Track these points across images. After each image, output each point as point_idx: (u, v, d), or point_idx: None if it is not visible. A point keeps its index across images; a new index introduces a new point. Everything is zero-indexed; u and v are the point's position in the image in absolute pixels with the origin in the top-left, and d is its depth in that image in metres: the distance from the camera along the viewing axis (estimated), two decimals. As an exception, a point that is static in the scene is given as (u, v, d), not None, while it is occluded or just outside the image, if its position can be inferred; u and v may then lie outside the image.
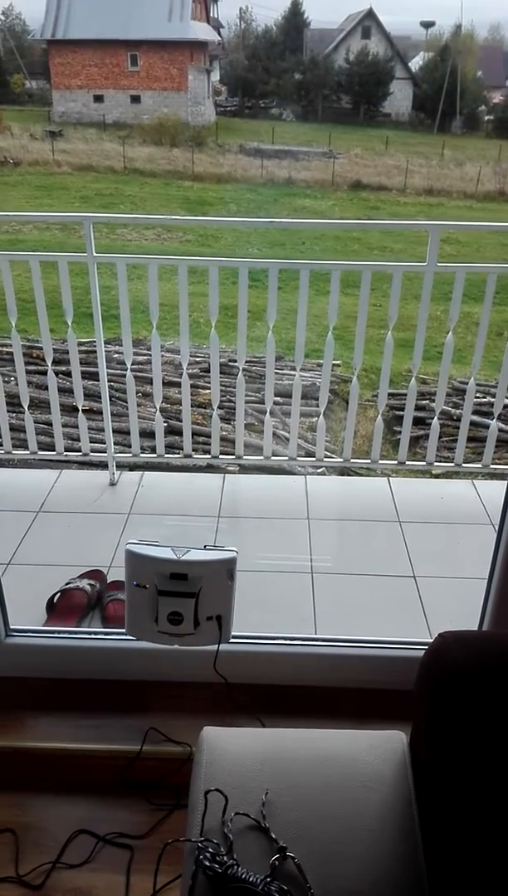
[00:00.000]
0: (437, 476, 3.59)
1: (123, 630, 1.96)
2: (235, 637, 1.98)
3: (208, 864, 1.12)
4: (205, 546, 1.88)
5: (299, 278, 2.97)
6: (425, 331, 3.04)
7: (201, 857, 1.13)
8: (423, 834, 1.20)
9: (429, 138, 15.05)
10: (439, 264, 2.89)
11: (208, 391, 4.71)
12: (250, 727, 1.84)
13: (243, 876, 1.11)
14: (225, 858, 1.13)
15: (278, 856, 1.15)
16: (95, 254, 2.89)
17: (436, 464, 3.31)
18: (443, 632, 1.23)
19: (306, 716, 1.94)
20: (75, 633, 2.16)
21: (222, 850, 1.15)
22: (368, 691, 1.96)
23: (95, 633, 2.17)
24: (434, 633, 2.32)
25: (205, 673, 1.93)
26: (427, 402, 4.53)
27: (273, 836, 1.17)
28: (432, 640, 1.28)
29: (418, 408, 3.35)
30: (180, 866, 1.64)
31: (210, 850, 1.14)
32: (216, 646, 1.90)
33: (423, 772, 1.24)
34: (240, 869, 1.12)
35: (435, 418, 3.22)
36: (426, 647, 1.28)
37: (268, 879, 1.11)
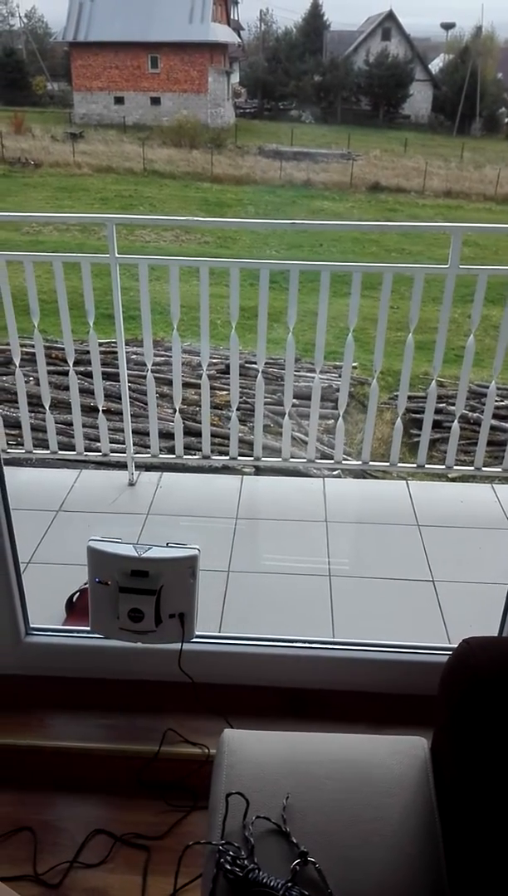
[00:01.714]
0: (453, 479, 3.57)
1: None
2: (251, 639, 1.98)
3: (229, 867, 1.12)
4: (168, 544, 1.88)
5: (320, 280, 2.96)
6: (446, 333, 3.02)
7: (223, 860, 1.12)
8: (445, 841, 1.19)
9: (448, 140, 15.00)
10: (461, 266, 2.87)
11: (223, 392, 4.71)
12: (268, 730, 1.84)
13: (265, 880, 1.10)
14: (246, 862, 1.13)
15: (298, 860, 1.14)
16: (117, 255, 2.90)
17: (455, 467, 3.30)
18: (467, 637, 1.22)
19: (323, 720, 1.93)
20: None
21: (243, 853, 1.15)
22: (384, 696, 1.95)
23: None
24: (453, 638, 2.32)
25: (220, 673, 1.93)
26: (444, 405, 4.51)
27: (294, 840, 1.17)
28: (452, 646, 1.27)
29: (435, 411, 3.33)
30: (198, 868, 1.64)
31: (231, 853, 1.14)
32: (180, 644, 1.90)
33: (446, 778, 1.23)
34: (261, 873, 1.11)
35: (455, 421, 3.20)
36: (450, 653, 1.27)
37: (289, 884, 1.10)
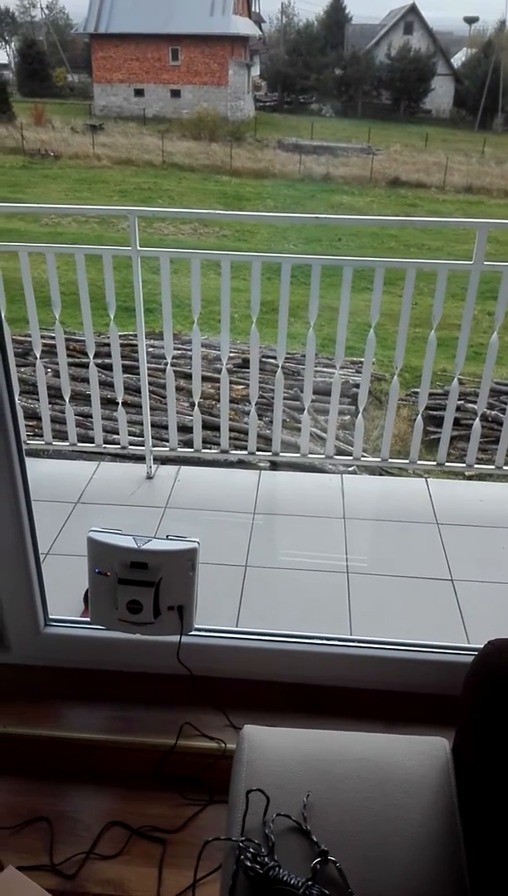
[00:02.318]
0: (471, 478, 3.55)
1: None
2: (266, 634, 1.97)
3: (249, 864, 1.11)
4: (168, 536, 1.87)
5: (342, 275, 2.94)
6: (469, 331, 3.00)
7: (243, 856, 1.12)
8: (467, 842, 1.19)
9: (470, 135, 14.89)
10: (486, 263, 2.85)
11: (240, 387, 4.71)
12: (284, 727, 1.84)
13: (285, 878, 1.10)
14: (266, 859, 1.12)
15: (319, 859, 1.14)
16: (139, 248, 2.89)
17: (476, 466, 3.27)
18: (493, 639, 1.21)
19: (335, 716, 1.93)
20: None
21: (264, 850, 1.14)
22: (400, 694, 1.94)
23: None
24: (472, 638, 2.30)
25: (240, 668, 1.93)
26: (462, 402, 4.48)
27: (314, 839, 1.16)
28: (472, 646, 1.26)
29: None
30: (214, 862, 1.64)
31: (251, 850, 1.14)
32: (179, 637, 1.90)
33: (468, 779, 1.22)
34: (281, 871, 1.11)
35: (477, 419, 3.17)
36: (469, 653, 1.26)
37: (309, 883, 1.10)
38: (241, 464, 3.52)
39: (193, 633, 2.00)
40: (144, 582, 1.82)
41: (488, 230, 2.88)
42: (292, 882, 1.10)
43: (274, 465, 3.61)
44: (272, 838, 1.16)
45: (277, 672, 1.98)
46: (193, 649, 1.97)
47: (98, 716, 1.96)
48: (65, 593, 2.36)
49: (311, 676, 1.99)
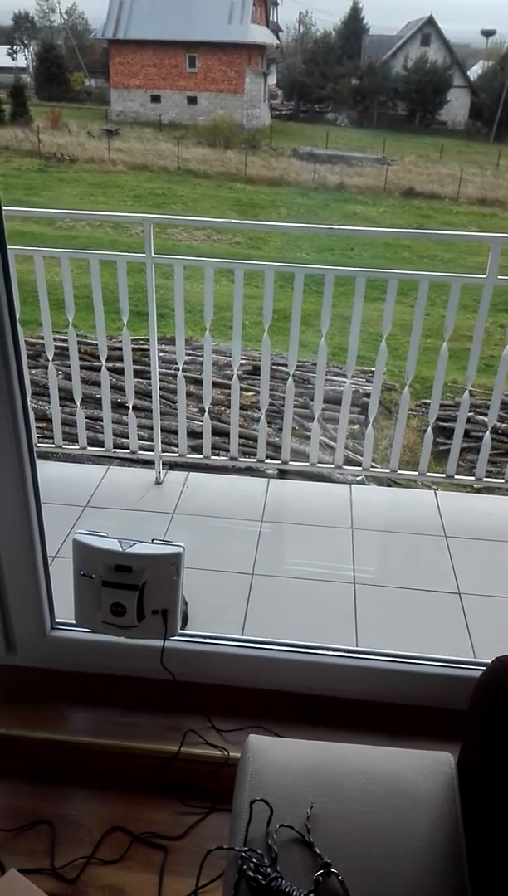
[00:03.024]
0: (480, 491, 3.54)
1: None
2: (279, 643, 1.97)
3: (251, 874, 1.11)
4: (153, 540, 1.88)
5: (354, 285, 2.95)
6: (481, 343, 3.00)
7: (245, 866, 1.12)
8: (470, 857, 1.18)
9: (485, 147, 14.90)
10: (500, 277, 2.85)
11: (250, 393, 4.72)
12: (286, 737, 1.84)
13: (287, 889, 1.10)
14: (269, 870, 1.12)
15: (321, 871, 1.14)
16: (153, 255, 2.91)
17: (485, 479, 3.27)
18: (501, 656, 1.20)
19: (338, 727, 1.93)
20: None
21: (266, 861, 1.14)
22: (401, 706, 1.94)
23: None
24: (479, 652, 2.29)
25: (247, 677, 1.93)
26: (472, 414, 4.47)
27: (318, 850, 1.16)
28: (479, 661, 1.26)
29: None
30: (214, 870, 1.64)
31: (254, 860, 1.13)
32: (162, 641, 1.91)
33: (473, 795, 1.22)
34: (284, 882, 1.11)
35: (487, 432, 3.17)
36: (476, 668, 1.26)
37: (311, 894, 1.10)
38: (250, 471, 3.53)
39: (197, 640, 2.00)
40: (127, 585, 1.84)
41: (503, 244, 2.88)
42: (293, 893, 1.09)
43: (283, 473, 3.61)
44: (275, 849, 1.16)
45: (282, 682, 1.98)
46: (190, 655, 1.97)
47: (102, 720, 1.97)
48: (72, 597, 2.36)
49: (315, 687, 1.99)
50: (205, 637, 2.02)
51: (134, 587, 1.83)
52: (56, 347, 3.26)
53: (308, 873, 1.13)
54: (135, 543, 1.86)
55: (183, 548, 1.86)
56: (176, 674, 1.96)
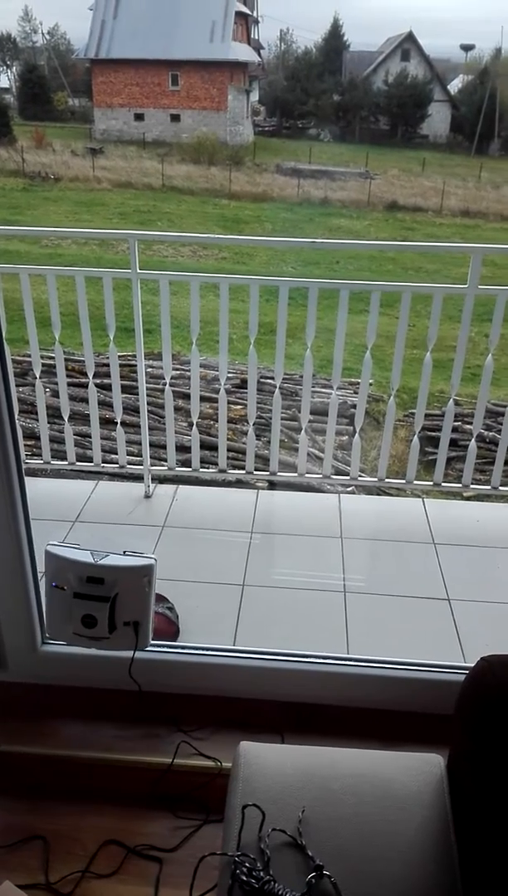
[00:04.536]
0: (468, 498, 3.57)
1: (159, 642, 1.97)
2: (271, 652, 1.99)
3: (244, 878, 1.12)
4: (125, 552, 1.88)
5: (339, 298, 2.98)
6: (464, 353, 3.04)
7: (238, 871, 1.13)
8: (461, 859, 1.19)
9: (466, 160, 15.05)
10: (480, 287, 2.89)
11: (238, 407, 4.74)
12: (275, 741, 1.85)
13: (280, 892, 1.11)
14: (262, 874, 1.13)
15: (314, 874, 1.15)
16: (138, 271, 2.94)
17: (472, 486, 3.30)
18: (486, 655, 1.22)
19: (331, 735, 1.93)
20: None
21: (259, 865, 1.15)
22: (394, 713, 1.95)
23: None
24: (469, 657, 2.31)
25: (236, 688, 1.94)
26: (459, 423, 4.51)
27: (310, 853, 1.17)
28: (469, 665, 1.27)
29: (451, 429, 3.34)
30: (210, 881, 1.64)
31: (247, 864, 1.14)
32: (132, 652, 1.91)
33: (463, 796, 1.24)
34: (277, 885, 1.12)
35: (473, 440, 3.20)
36: (466, 672, 1.27)
37: (304, 897, 1.11)
38: (239, 483, 3.55)
39: (184, 651, 2.01)
40: (99, 597, 1.84)
41: (483, 255, 2.93)
42: (287, 897, 1.10)
43: (272, 485, 3.63)
44: (268, 853, 1.17)
45: (274, 691, 1.99)
46: (184, 666, 1.98)
47: (95, 734, 1.97)
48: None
49: (307, 695, 1.99)
50: (196, 648, 2.03)
51: (105, 599, 1.83)
52: (43, 365, 3.27)
53: (301, 876, 1.14)
54: (107, 555, 1.86)
55: (155, 559, 1.87)
56: (165, 685, 1.97)
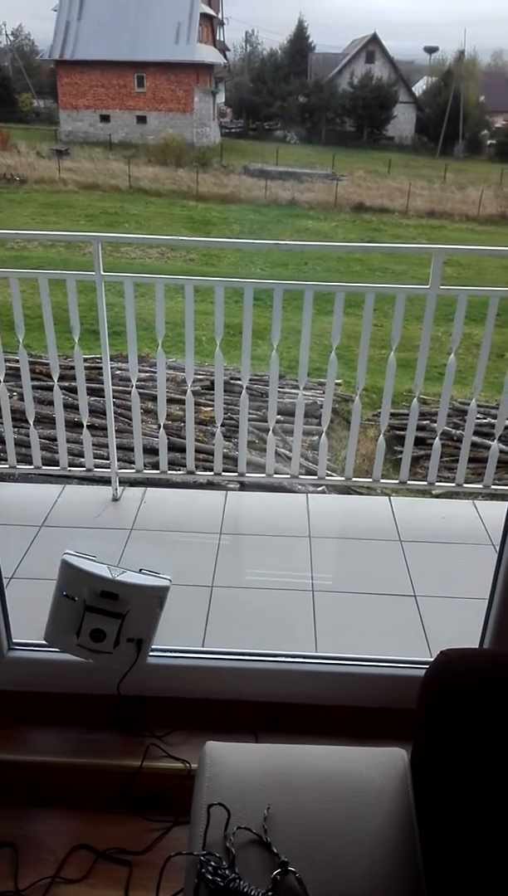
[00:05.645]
0: (437, 496, 3.61)
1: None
2: (240, 653, 1.99)
3: (210, 877, 1.13)
4: (141, 570, 1.89)
5: (304, 299, 3.00)
6: (427, 352, 3.07)
7: (204, 870, 1.13)
8: (424, 851, 1.21)
9: (432, 161, 15.19)
10: (441, 287, 2.93)
11: (208, 409, 4.74)
12: (246, 742, 1.85)
13: (246, 890, 1.11)
14: (227, 872, 1.14)
15: (279, 870, 1.16)
16: (102, 273, 2.93)
17: (437, 484, 3.33)
18: (445, 649, 1.24)
19: (302, 733, 1.95)
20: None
21: (225, 863, 1.16)
22: (363, 709, 1.96)
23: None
24: (434, 651, 2.33)
25: (204, 688, 1.94)
26: (428, 422, 4.56)
27: (275, 850, 1.18)
28: (432, 659, 1.29)
29: (418, 428, 3.38)
30: (180, 882, 1.64)
31: (212, 863, 1.15)
32: (129, 667, 1.91)
33: (425, 789, 1.25)
34: (242, 883, 1.12)
35: (437, 439, 3.24)
36: (428, 665, 1.29)
37: (270, 893, 1.12)
38: (209, 485, 3.55)
39: (154, 654, 2.01)
40: (112, 613, 1.84)
41: (445, 255, 2.96)
42: (252, 893, 1.11)
43: (243, 486, 3.63)
44: (233, 851, 1.17)
45: (243, 691, 2.00)
46: (153, 669, 1.98)
47: (63, 739, 1.96)
48: (29, 617, 2.34)
49: (276, 694, 2.01)
50: (165, 650, 2.03)
51: (118, 615, 1.83)
52: (8, 368, 3.24)
53: (266, 873, 1.15)
54: (124, 571, 1.86)
55: (170, 580, 1.88)
56: (136, 688, 1.96)
